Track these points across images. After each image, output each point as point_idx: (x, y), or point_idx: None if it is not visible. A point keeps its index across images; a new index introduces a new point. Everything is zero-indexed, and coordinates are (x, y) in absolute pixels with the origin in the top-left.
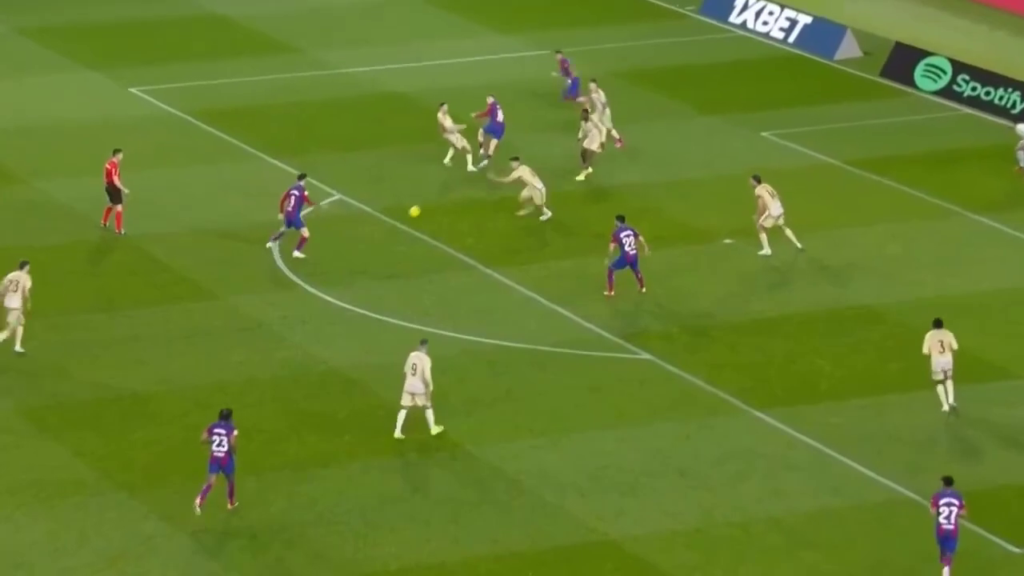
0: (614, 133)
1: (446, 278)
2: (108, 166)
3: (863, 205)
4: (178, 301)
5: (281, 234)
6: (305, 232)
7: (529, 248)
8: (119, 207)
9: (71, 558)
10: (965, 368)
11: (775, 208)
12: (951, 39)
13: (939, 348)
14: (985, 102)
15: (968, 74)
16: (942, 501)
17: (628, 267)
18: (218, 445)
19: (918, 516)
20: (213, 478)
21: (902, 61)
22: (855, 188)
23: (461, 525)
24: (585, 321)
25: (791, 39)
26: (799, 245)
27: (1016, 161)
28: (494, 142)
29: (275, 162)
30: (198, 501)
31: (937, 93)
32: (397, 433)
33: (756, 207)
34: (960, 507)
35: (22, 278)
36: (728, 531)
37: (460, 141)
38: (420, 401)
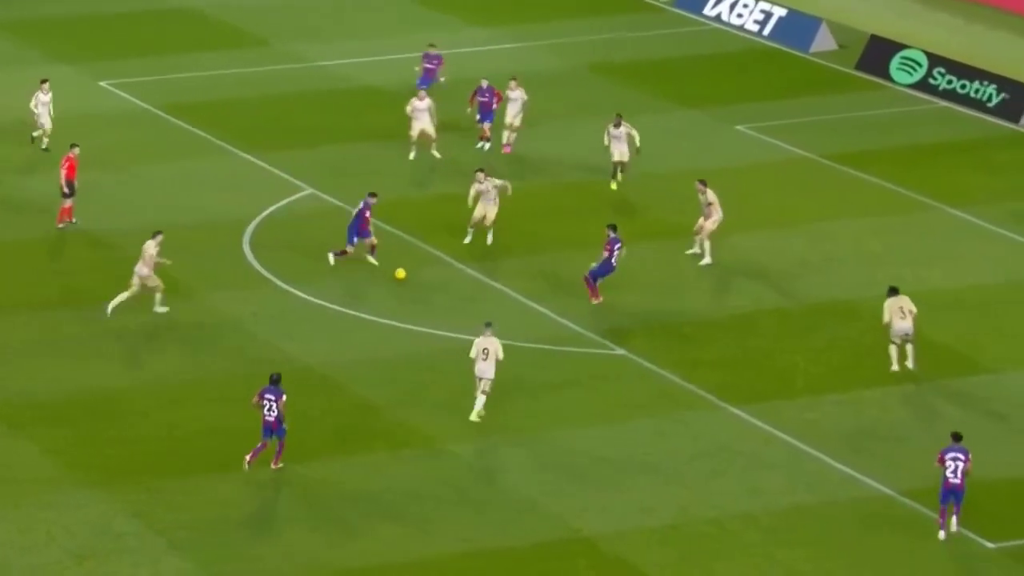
0: (511, 136)
1: (420, 274)
2: (65, 161)
3: (839, 199)
4: (148, 297)
5: (351, 246)
6: (373, 239)
7: (504, 244)
8: (70, 201)
9: (40, 556)
10: (943, 363)
11: (720, 212)
12: (927, 32)
13: (900, 314)
14: (961, 95)
15: (944, 67)
16: (948, 456)
17: (605, 276)
18: (268, 410)
19: (895, 513)
20: (267, 441)
21: (877, 54)
22: (831, 182)
23: (436, 522)
24: (561, 317)
25: (766, 32)
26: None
27: None
28: (487, 125)
29: (247, 156)
30: (248, 458)
31: (913, 86)
32: (481, 415)
33: (704, 212)
34: (966, 462)
35: (149, 247)
36: (704, 528)
37: (418, 127)
38: (485, 387)
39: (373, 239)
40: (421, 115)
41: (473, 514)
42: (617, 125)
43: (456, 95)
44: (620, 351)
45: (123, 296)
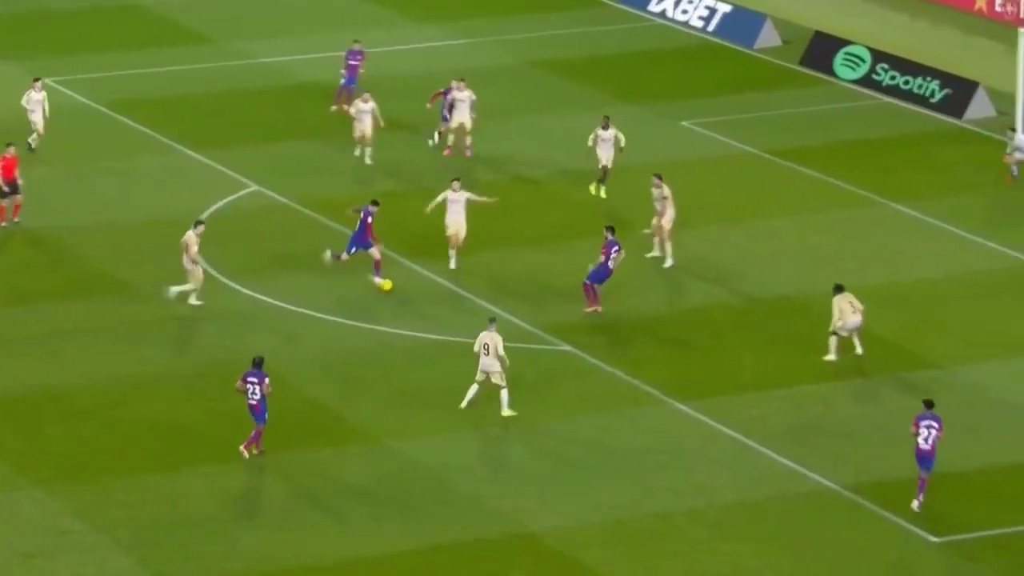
0: (467, 140)
1: (365, 271)
2: (3, 162)
3: (784, 195)
4: (93, 295)
5: (348, 254)
6: (376, 253)
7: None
8: (6, 201)
9: None
10: (889, 358)
11: (674, 208)
12: (870, 28)
13: (851, 309)
14: (904, 91)
15: (887, 63)
16: (922, 423)
17: (603, 281)
18: (251, 393)
19: (841, 507)
20: (259, 425)
21: (821, 50)
22: (776, 177)
23: (381, 519)
24: (507, 313)
25: (710, 28)
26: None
27: (1009, 171)
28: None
29: (192, 153)
30: (255, 450)
31: (856, 82)
32: (464, 404)
33: (658, 208)
34: (939, 430)
35: (189, 238)
36: (650, 524)
37: (360, 128)
38: (496, 380)
39: (377, 253)
40: (364, 116)
41: (419, 511)
42: (606, 127)
43: (392, 91)
44: (566, 347)
45: (188, 288)
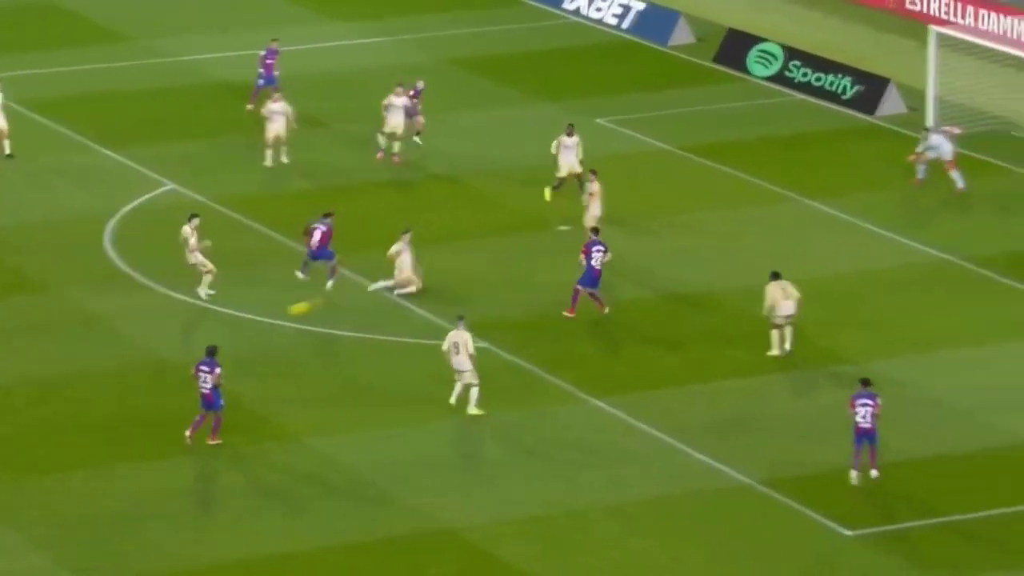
0: (398, 146)
1: (282, 269)
2: None
3: (698, 191)
4: (9, 294)
5: (306, 265)
6: (335, 262)
7: (366, 238)
8: None
9: None
10: (805, 353)
11: (598, 207)
12: (783, 25)
13: (783, 295)
14: (816, 88)
15: (800, 60)
16: (858, 402)
17: (592, 284)
18: (203, 382)
19: (755, 502)
20: (204, 413)
21: (735, 47)
22: (690, 174)
23: (301, 517)
24: (423, 310)
25: (624, 25)
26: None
27: (915, 171)
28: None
29: (107, 152)
30: (188, 433)
31: (769, 79)
32: (452, 400)
33: (587, 205)
34: (875, 406)
35: (185, 232)
36: (568, 520)
37: (273, 129)
38: (467, 379)
39: (329, 263)
40: (277, 117)
41: (338, 508)
42: (570, 135)
43: (307, 90)
44: (482, 343)
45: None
